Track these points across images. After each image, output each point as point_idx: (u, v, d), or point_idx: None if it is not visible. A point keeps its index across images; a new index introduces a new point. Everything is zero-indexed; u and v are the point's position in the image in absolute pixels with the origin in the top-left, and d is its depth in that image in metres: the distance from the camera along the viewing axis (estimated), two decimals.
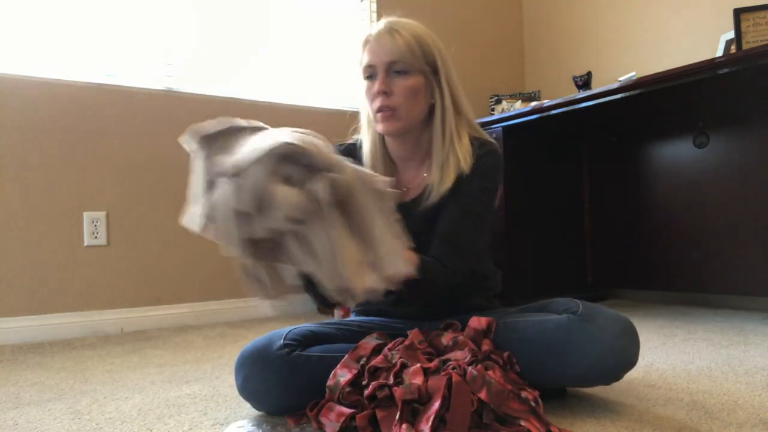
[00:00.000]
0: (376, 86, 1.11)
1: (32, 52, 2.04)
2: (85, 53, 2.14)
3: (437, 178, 1.13)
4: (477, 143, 1.16)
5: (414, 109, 1.13)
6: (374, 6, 2.83)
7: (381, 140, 1.20)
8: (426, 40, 1.13)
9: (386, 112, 1.11)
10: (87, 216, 2.10)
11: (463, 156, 1.12)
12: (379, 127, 1.14)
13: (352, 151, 1.23)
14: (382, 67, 1.11)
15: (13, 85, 1.99)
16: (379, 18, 2.82)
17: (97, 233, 2.12)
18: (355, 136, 1.27)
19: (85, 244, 2.10)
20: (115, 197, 2.16)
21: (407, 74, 1.11)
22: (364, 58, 1.14)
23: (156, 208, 2.24)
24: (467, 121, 1.18)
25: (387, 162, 1.20)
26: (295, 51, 2.61)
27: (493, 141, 1.19)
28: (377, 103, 1.12)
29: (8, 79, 1.98)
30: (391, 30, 1.12)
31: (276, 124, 0.80)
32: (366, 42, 1.15)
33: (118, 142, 2.18)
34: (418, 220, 1.13)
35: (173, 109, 2.29)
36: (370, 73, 1.13)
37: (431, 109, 1.16)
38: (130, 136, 2.20)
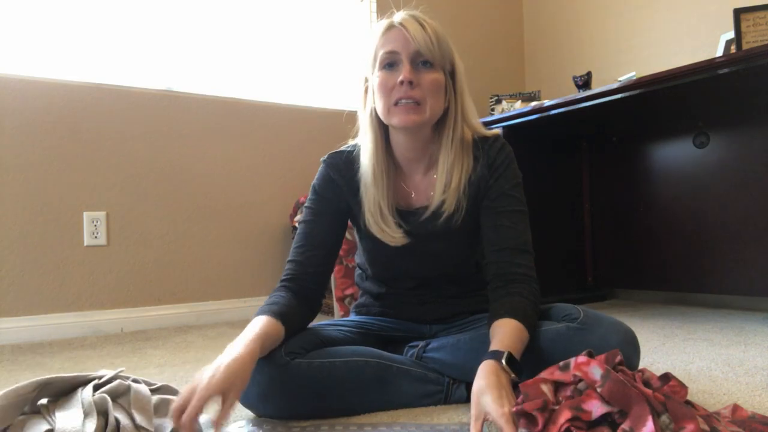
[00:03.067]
0: (402, 75, 1.00)
1: (32, 52, 2.04)
2: (85, 53, 2.14)
3: (443, 186, 1.08)
4: (482, 141, 1.11)
5: (436, 106, 1.05)
6: (374, 6, 2.83)
7: (385, 141, 1.10)
8: (447, 40, 1.07)
9: (409, 104, 1.01)
10: (87, 216, 2.10)
11: (468, 163, 1.08)
12: (396, 120, 1.03)
13: (349, 161, 1.13)
14: (408, 56, 1.01)
15: (13, 85, 1.99)
16: (379, 18, 2.83)
17: (97, 233, 2.12)
18: (350, 142, 1.18)
19: (85, 244, 2.10)
20: (115, 197, 2.16)
21: (433, 68, 1.03)
22: (384, 45, 1.03)
23: (156, 208, 2.24)
24: (470, 125, 1.12)
25: (391, 165, 1.11)
26: (295, 51, 2.61)
27: (496, 133, 1.14)
28: (398, 94, 1.01)
29: (8, 79, 1.98)
30: (418, 19, 1.03)
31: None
32: (387, 28, 1.04)
33: (118, 142, 2.18)
34: (432, 227, 1.09)
35: (173, 109, 2.29)
36: (391, 61, 1.03)
37: (443, 112, 1.09)
38: (130, 136, 2.20)
